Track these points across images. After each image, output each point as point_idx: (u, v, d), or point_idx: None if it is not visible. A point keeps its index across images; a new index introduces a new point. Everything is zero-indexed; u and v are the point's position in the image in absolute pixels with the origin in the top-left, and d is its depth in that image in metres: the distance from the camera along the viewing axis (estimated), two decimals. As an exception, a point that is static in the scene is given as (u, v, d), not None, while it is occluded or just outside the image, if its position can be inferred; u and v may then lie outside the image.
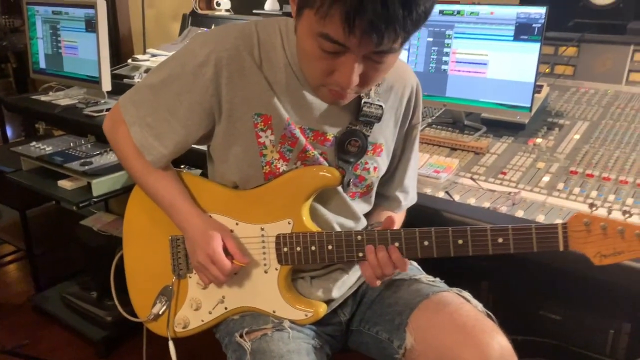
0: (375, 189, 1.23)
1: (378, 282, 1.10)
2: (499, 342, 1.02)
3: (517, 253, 0.98)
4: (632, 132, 1.68)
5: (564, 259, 1.15)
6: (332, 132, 1.12)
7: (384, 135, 1.18)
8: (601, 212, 0.97)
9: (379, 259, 1.06)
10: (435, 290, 1.16)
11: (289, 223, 1.11)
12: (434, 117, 1.96)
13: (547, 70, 2.11)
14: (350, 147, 1.12)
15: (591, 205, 0.95)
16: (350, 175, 1.14)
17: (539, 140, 1.70)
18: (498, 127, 1.80)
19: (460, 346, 1.02)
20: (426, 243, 1.03)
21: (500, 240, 0.98)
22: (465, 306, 1.11)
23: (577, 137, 1.70)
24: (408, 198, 1.32)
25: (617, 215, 0.95)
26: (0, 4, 4.09)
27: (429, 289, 1.17)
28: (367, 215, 1.28)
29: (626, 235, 0.92)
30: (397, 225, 1.26)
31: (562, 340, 1.88)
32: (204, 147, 1.24)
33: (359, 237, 1.06)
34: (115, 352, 2.16)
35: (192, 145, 1.17)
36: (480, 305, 1.15)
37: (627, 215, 0.93)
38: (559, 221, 1.00)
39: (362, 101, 1.11)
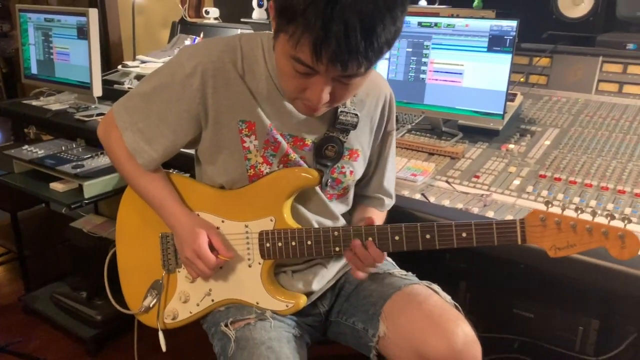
0: (352, 191, 1.32)
1: (362, 275, 1.19)
2: (463, 330, 1.11)
3: (480, 246, 1.07)
4: (598, 139, 1.77)
5: (535, 259, 1.23)
6: (310, 138, 1.21)
7: (360, 141, 1.26)
8: (557, 210, 1.06)
9: (357, 253, 1.15)
10: (406, 282, 1.25)
11: (271, 220, 1.19)
12: (413, 124, 2.04)
13: (521, 79, 2.21)
14: (327, 152, 1.20)
15: (547, 203, 1.04)
16: (328, 177, 1.22)
17: (511, 145, 1.79)
18: (474, 133, 1.89)
19: (427, 333, 1.11)
20: (397, 238, 1.11)
21: (464, 234, 1.07)
22: (434, 297, 1.20)
23: (547, 143, 1.79)
24: (389, 199, 1.41)
25: (570, 212, 1.04)
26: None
27: (401, 282, 1.25)
28: (351, 214, 1.37)
29: (578, 229, 1.01)
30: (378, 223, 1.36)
31: (535, 337, 1.97)
32: (191, 152, 1.31)
33: (336, 233, 1.15)
34: (105, 350, 2.21)
35: (181, 150, 1.24)
36: (448, 297, 1.23)
37: (579, 212, 1.02)
38: (520, 219, 1.09)
39: (339, 110, 1.19)
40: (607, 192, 1.48)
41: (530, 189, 1.53)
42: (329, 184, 1.24)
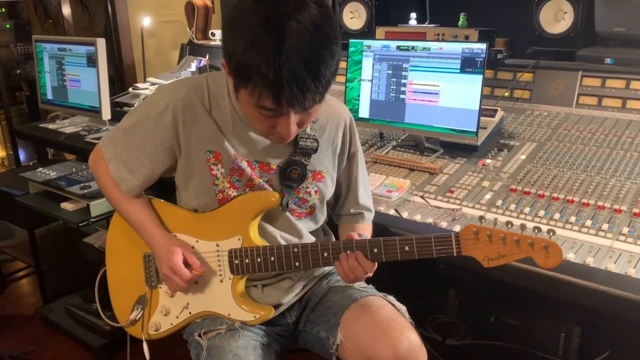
0: (318, 209, 1.42)
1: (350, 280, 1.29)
2: (408, 338, 1.21)
3: (422, 258, 1.16)
4: (572, 153, 1.84)
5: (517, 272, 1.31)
6: (275, 163, 1.33)
7: (324, 164, 1.38)
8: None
9: (349, 264, 1.24)
10: (363, 294, 1.35)
11: (239, 239, 1.31)
12: (399, 140, 2.14)
13: (506, 94, 2.28)
14: (291, 175, 1.32)
15: (481, 218, 1.13)
16: (292, 198, 1.34)
17: (488, 160, 1.86)
18: (454, 149, 1.97)
19: (375, 341, 1.21)
20: (349, 252, 1.22)
21: (406, 248, 1.17)
22: (385, 307, 1.30)
23: (523, 157, 1.86)
24: (368, 212, 1.51)
25: (502, 225, 1.13)
26: (15, 33, 4.34)
27: (359, 294, 1.36)
28: (339, 231, 1.50)
29: (507, 241, 1.10)
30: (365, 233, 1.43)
31: (520, 343, 2.03)
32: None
33: (295, 250, 1.26)
34: (113, 358, 2.35)
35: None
36: (403, 309, 1.33)
37: (509, 225, 1.11)
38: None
39: (298, 136, 1.31)
40: (572, 205, 1.55)
41: (499, 203, 1.60)
42: (294, 203, 1.35)
